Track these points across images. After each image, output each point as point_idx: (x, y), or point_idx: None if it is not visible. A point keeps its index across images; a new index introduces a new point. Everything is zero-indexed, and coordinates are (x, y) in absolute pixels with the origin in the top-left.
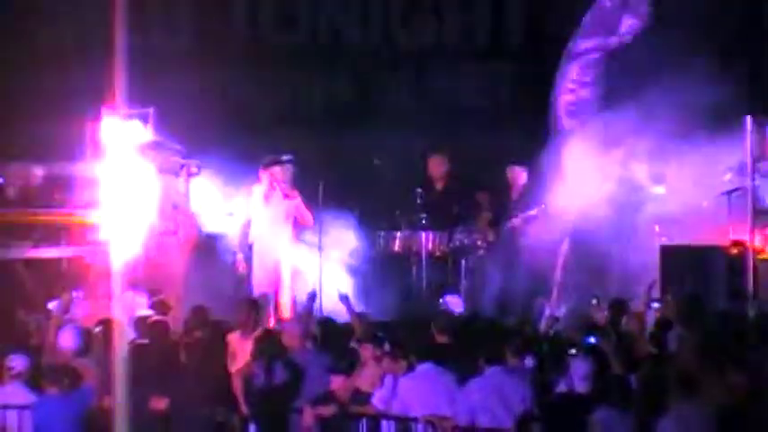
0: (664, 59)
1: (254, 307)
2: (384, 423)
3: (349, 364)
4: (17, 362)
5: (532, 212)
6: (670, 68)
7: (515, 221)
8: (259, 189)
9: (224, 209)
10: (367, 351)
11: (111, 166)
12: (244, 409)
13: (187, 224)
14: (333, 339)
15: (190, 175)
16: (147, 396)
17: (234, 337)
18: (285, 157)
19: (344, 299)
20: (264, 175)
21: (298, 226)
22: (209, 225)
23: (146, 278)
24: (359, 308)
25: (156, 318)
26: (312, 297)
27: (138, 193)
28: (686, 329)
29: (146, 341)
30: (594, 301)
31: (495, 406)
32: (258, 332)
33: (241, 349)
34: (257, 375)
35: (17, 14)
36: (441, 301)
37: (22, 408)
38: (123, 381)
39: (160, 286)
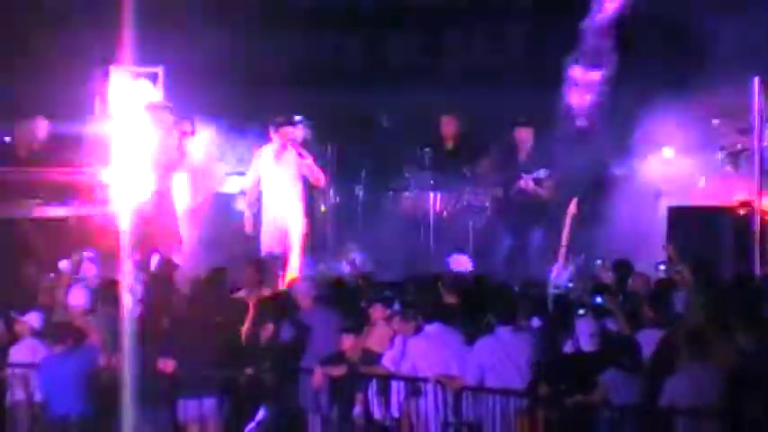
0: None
1: (261, 266)
2: (394, 383)
3: (359, 324)
4: (35, 319)
5: (541, 174)
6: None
7: (523, 183)
8: (269, 149)
9: (232, 169)
10: (377, 311)
11: (118, 125)
12: (251, 368)
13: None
14: (343, 299)
15: (183, 134)
16: (155, 355)
17: (240, 296)
18: (297, 118)
19: (352, 261)
20: (276, 135)
21: (308, 186)
22: (217, 184)
23: (144, 236)
24: (367, 267)
25: (163, 277)
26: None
27: (142, 153)
28: (695, 291)
29: (154, 300)
30: (599, 262)
31: (503, 366)
32: (265, 291)
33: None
34: (264, 335)
35: None
36: (447, 259)
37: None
38: (131, 341)
39: (158, 245)
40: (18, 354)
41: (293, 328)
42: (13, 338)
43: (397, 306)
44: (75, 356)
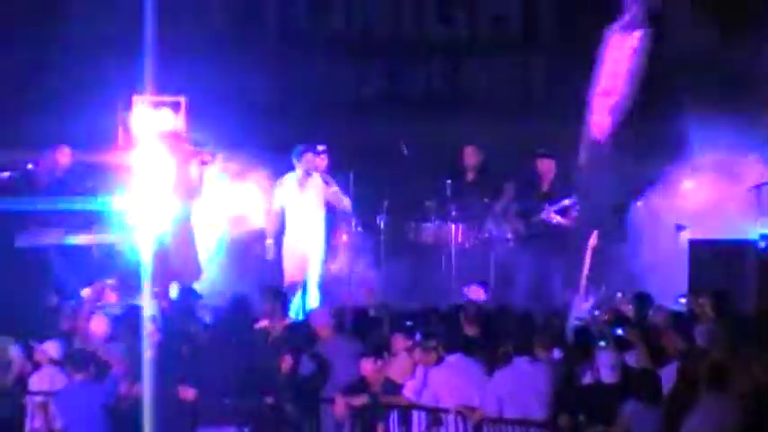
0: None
1: (281, 296)
2: (415, 413)
3: (377, 349)
4: (53, 348)
5: (565, 203)
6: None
7: (545, 215)
8: (292, 177)
9: (252, 198)
10: (398, 342)
11: (141, 154)
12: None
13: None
14: (363, 329)
15: (203, 163)
16: (176, 385)
17: (261, 326)
18: (320, 147)
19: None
20: (299, 164)
21: (331, 214)
22: (240, 213)
23: (164, 265)
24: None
25: (184, 305)
26: None
27: (163, 182)
28: (716, 324)
29: (174, 328)
30: (620, 295)
31: (522, 396)
32: (285, 321)
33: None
34: (284, 365)
35: (50, 3)
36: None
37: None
38: (152, 369)
39: (179, 273)
40: (37, 382)
41: (313, 358)
42: (33, 367)
43: (418, 336)
44: (95, 384)
